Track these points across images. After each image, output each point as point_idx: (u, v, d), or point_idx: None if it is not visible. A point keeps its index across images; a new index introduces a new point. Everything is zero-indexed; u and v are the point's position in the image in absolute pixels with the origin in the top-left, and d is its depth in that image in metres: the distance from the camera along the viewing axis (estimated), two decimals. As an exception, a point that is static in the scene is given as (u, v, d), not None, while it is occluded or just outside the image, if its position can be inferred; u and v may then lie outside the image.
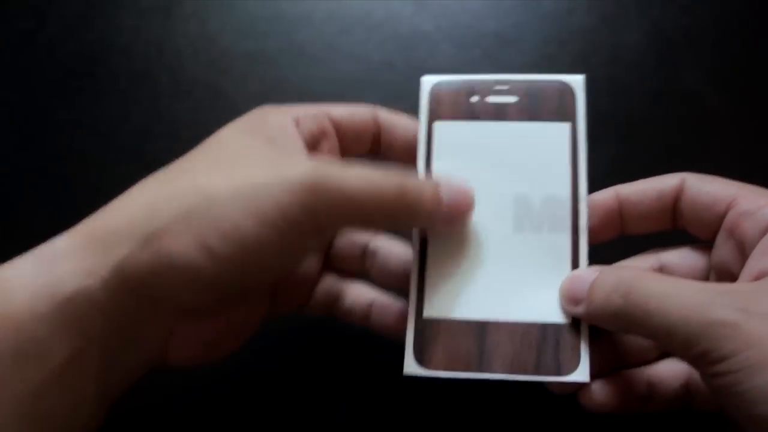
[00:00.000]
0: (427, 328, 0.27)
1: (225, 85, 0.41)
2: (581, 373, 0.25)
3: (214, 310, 0.25)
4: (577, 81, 0.29)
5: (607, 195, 0.28)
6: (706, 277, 0.28)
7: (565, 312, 0.26)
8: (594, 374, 0.26)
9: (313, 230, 0.23)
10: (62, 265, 0.23)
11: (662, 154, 0.38)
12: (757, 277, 0.23)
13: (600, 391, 0.26)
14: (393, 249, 0.30)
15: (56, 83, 0.42)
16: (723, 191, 0.26)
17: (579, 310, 0.25)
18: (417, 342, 0.26)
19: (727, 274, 0.26)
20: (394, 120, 0.30)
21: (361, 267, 0.31)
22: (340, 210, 0.24)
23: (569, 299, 0.26)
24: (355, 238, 0.31)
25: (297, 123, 0.28)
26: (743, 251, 0.25)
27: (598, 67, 0.41)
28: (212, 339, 0.26)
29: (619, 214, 0.28)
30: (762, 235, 0.24)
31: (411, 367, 0.26)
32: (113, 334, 0.23)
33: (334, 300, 0.31)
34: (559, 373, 0.25)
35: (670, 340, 0.22)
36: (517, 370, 0.26)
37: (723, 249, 0.26)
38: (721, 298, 0.22)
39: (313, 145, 0.28)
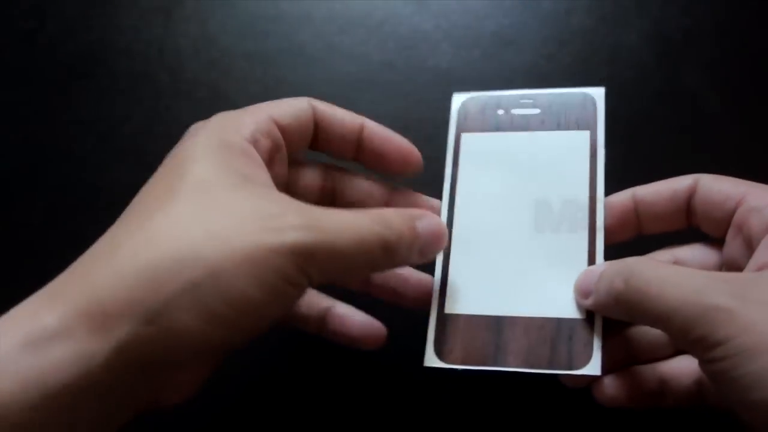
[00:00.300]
0: (448, 323, 0.28)
1: (225, 85, 0.41)
2: (593, 367, 0.26)
3: (210, 361, 0.25)
4: (598, 93, 0.32)
5: (624, 196, 0.29)
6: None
7: (578, 306, 0.27)
8: (606, 369, 0.26)
9: (305, 286, 0.24)
10: (54, 350, 0.21)
11: (662, 154, 0.38)
12: (760, 269, 0.24)
13: (612, 385, 0.27)
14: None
15: (56, 83, 0.42)
16: (733, 189, 0.27)
17: (589, 302, 0.27)
18: (438, 336, 0.28)
19: (736, 270, 0.27)
20: (331, 114, 0.30)
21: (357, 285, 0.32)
22: (332, 269, 0.25)
23: (581, 292, 0.27)
24: None
25: (255, 143, 0.27)
26: (751, 246, 0.26)
27: (598, 67, 0.41)
28: (205, 379, 0.26)
29: (636, 215, 0.29)
30: (766, 230, 0.25)
31: (431, 360, 0.27)
32: (109, 409, 0.22)
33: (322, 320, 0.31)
34: (571, 367, 0.26)
35: (668, 325, 0.23)
36: (531, 364, 0.27)
37: (732, 245, 0.27)
38: (718, 285, 0.22)
39: (269, 161, 0.28)
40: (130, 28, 0.43)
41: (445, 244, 0.28)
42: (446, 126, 0.33)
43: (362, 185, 0.31)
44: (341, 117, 0.30)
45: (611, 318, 0.27)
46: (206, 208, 0.24)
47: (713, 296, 0.22)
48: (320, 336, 0.31)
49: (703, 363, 0.22)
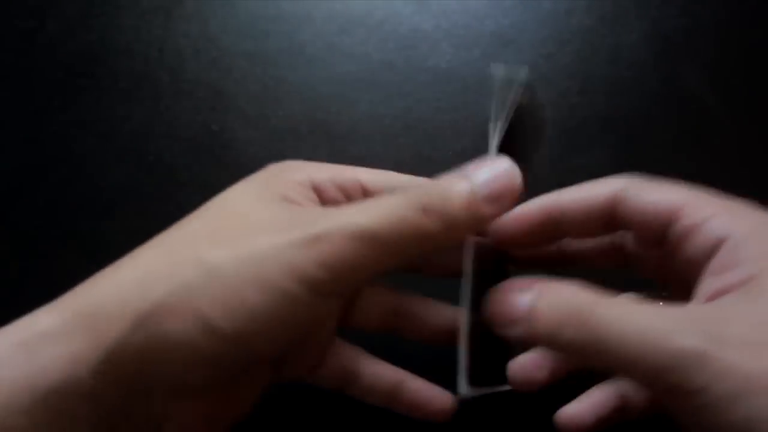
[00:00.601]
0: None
1: (225, 85, 0.41)
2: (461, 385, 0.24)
3: (213, 389, 0.23)
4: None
5: (540, 201, 0.26)
6: None
7: (497, 329, 0.23)
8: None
9: (331, 287, 0.21)
10: (46, 351, 0.21)
11: (662, 154, 0.38)
12: (715, 297, 0.21)
13: (574, 414, 0.26)
14: (429, 307, 0.28)
15: (56, 83, 0.42)
16: (665, 200, 0.24)
17: (517, 331, 0.22)
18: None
19: (679, 290, 0.24)
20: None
21: (389, 324, 0.28)
22: (359, 254, 0.21)
23: (503, 320, 0.22)
24: (379, 298, 0.28)
25: (318, 190, 0.25)
26: (693, 268, 0.23)
27: (597, 67, 0.41)
28: (210, 418, 0.24)
29: (553, 221, 0.26)
30: (710, 251, 0.22)
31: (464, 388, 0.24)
32: (102, 422, 0.21)
33: (349, 376, 0.28)
34: None
35: (634, 371, 0.20)
36: None
37: (672, 262, 0.24)
38: (685, 324, 0.19)
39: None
40: (130, 28, 0.43)
41: (519, 186, 0.23)
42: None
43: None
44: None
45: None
46: (222, 224, 0.23)
47: (683, 339, 0.19)
48: (389, 408, 0.28)
49: (679, 411, 0.20)
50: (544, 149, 0.38)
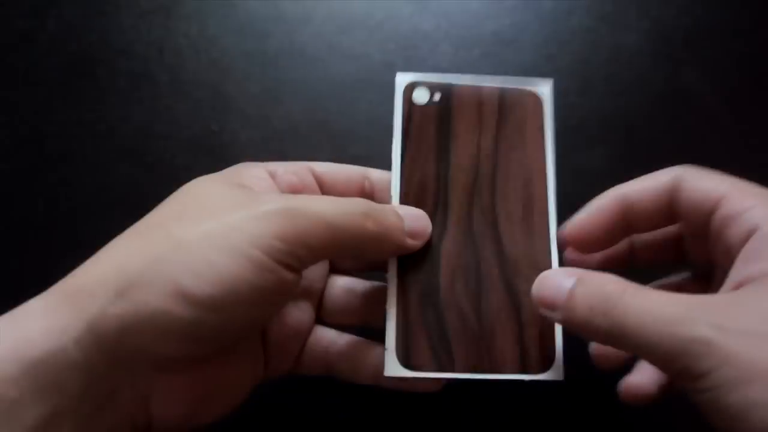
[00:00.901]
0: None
1: (225, 85, 0.41)
2: (555, 372, 0.26)
3: (196, 364, 0.24)
4: (546, 84, 0.31)
5: (610, 196, 0.28)
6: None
7: (540, 313, 0.26)
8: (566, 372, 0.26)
9: (289, 259, 0.23)
10: (32, 325, 0.22)
11: (662, 154, 0.38)
12: (737, 287, 0.23)
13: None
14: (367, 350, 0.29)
15: (56, 83, 0.42)
16: (712, 189, 0.26)
17: (556, 316, 0.25)
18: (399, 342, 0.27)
19: (722, 276, 0.26)
20: (387, 176, 0.30)
21: (362, 317, 0.30)
22: (313, 233, 0.24)
23: (545, 304, 0.25)
24: (351, 287, 0.31)
25: (274, 175, 0.28)
26: (730, 256, 0.25)
27: (598, 67, 0.41)
28: (198, 398, 0.25)
29: (623, 216, 0.28)
30: (743, 241, 0.24)
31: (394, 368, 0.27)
32: (89, 393, 0.22)
33: (330, 357, 0.30)
34: (536, 372, 0.26)
35: (650, 357, 0.22)
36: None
37: (715, 251, 0.26)
38: (696, 314, 0.21)
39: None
40: (130, 28, 0.43)
41: (430, 228, 0.28)
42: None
43: None
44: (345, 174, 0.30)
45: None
46: (187, 207, 0.25)
47: (691, 327, 0.21)
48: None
49: (689, 392, 0.22)
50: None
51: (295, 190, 0.28)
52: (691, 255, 0.29)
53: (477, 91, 0.31)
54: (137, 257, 0.23)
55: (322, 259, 0.27)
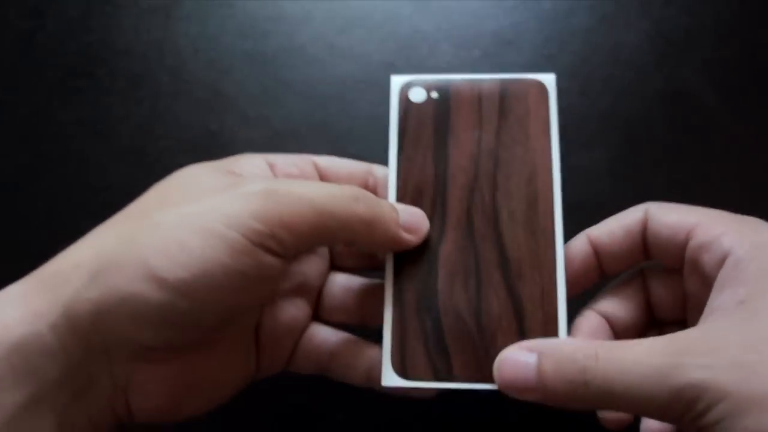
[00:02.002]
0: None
1: (225, 85, 0.41)
2: None
3: (177, 354, 0.24)
4: (549, 79, 0.30)
5: (581, 243, 0.28)
6: (645, 313, 0.28)
7: (559, 304, 0.26)
8: None
9: (269, 242, 0.22)
10: (9, 311, 0.21)
11: (662, 154, 0.38)
12: (714, 313, 0.23)
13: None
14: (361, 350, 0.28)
15: (56, 83, 0.42)
16: (682, 221, 0.26)
17: (532, 397, 0.24)
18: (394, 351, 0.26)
19: (699, 307, 0.25)
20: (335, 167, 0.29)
21: (358, 317, 0.30)
22: (295, 215, 0.23)
23: (515, 389, 0.24)
24: (350, 285, 0.30)
25: (273, 166, 0.27)
26: (707, 284, 0.24)
27: (598, 67, 0.41)
28: (180, 390, 0.24)
29: (596, 258, 0.28)
30: (719, 266, 0.24)
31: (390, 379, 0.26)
32: (67, 380, 0.22)
33: (322, 356, 0.29)
34: None
35: (645, 412, 0.22)
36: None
37: (690, 281, 0.26)
38: (681, 359, 0.21)
39: None
40: (130, 28, 0.43)
41: (427, 225, 0.27)
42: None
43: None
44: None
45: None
46: (171, 193, 0.24)
47: (680, 375, 0.21)
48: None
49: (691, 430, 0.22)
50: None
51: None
52: (656, 295, 0.28)
53: (476, 85, 0.29)
54: (113, 241, 0.22)
55: (309, 244, 0.26)
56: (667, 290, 0.28)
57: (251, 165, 0.27)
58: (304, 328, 0.29)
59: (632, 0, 0.42)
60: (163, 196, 0.24)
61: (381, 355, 0.26)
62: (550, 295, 0.26)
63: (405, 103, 0.30)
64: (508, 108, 0.29)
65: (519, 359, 0.24)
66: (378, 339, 0.27)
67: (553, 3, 0.43)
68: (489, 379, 0.25)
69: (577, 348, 0.23)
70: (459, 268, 0.27)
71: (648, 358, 0.22)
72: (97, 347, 0.22)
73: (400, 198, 0.28)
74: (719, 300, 0.23)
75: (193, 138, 0.40)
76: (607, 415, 0.27)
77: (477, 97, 0.29)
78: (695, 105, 0.39)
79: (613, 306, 0.28)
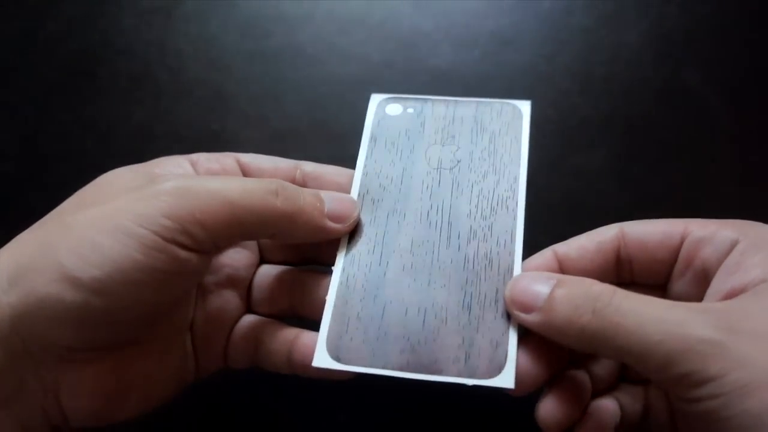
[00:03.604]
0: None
1: (225, 85, 0.41)
2: (504, 379, 0.24)
3: (105, 355, 0.24)
4: (524, 105, 0.31)
5: (546, 257, 0.27)
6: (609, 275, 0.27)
7: (512, 317, 0.25)
8: (520, 382, 0.24)
9: (181, 237, 0.22)
10: None
11: (662, 154, 0.38)
12: (727, 297, 0.22)
13: (553, 408, 0.25)
14: (319, 279, 0.28)
15: (56, 83, 0.42)
16: (670, 226, 0.25)
17: (531, 319, 0.23)
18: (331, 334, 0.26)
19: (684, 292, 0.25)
20: (321, 169, 0.29)
21: (289, 306, 0.29)
22: (206, 211, 0.23)
23: (519, 305, 0.24)
24: (278, 274, 0.29)
25: (195, 164, 0.27)
26: (705, 278, 0.24)
27: (597, 67, 0.41)
28: (112, 391, 0.24)
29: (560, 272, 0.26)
30: (723, 256, 0.23)
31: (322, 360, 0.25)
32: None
33: (251, 345, 0.28)
34: (483, 376, 0.24)
35: (645, 360, 0.20)
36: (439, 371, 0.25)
37: (680, 282, 0.25)
38: (700, 316, 0.20)
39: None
40: (130, 28, 0.43)
41: (356, 212, 0.27)
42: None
43: None
44: (333, 171, 0.29)
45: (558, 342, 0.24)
46: (87, 197, 0.25)
47: (699, 329, 0.19)
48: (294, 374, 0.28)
49: (685, 401, 0.20)
50: (544, 149, 0.38)
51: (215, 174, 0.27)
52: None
53: (453, 104, 0.31)
54: (30, 246, 0.23)
55: (228, 239, 0.25)
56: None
57: (173, 165, 0.27)
58: (235, 322, 0.29)
59: (632, 0, 0.42)
60: (79, 200, 0.25)
61: (301, 337, 0.27)
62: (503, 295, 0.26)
63: (381, 113, 0.31)
64: (482, 126, 0.30)
65: (538, 284, 0.24)
66: (308, 327, 0.27)
67: (553, 3, 0.43)
68: (426, 369, 0.25)
69: (597, 282, 0.23)
70: (414, 261, 0.27)
71: (667, 308, 0.21)
72: (21, 352, 0.22)
73: (363, 193, 0.29)
74: (732, 282, 0.22)
75: (193, 138, 0.40)
76: (547, 414, 0.25)
77: (452, 114, 0.31)
78: (695, 105, 0.39)
79: (575, 258, 0.27)
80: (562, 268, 0.26)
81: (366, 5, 0.43)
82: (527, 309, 0.24)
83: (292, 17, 0.43)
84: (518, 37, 0.42)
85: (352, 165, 0.30)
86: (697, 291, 0.25)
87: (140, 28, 0.43)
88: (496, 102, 0.31)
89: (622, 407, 0.26)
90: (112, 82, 0.42)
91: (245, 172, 0.28)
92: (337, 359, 0.25)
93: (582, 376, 0.26)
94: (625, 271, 0.26)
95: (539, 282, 0.24)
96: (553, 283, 0.23)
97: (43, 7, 0.44)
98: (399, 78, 0.41)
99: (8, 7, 0.44)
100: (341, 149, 0.39)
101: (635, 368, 0.22)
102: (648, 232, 0.26)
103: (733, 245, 0.23)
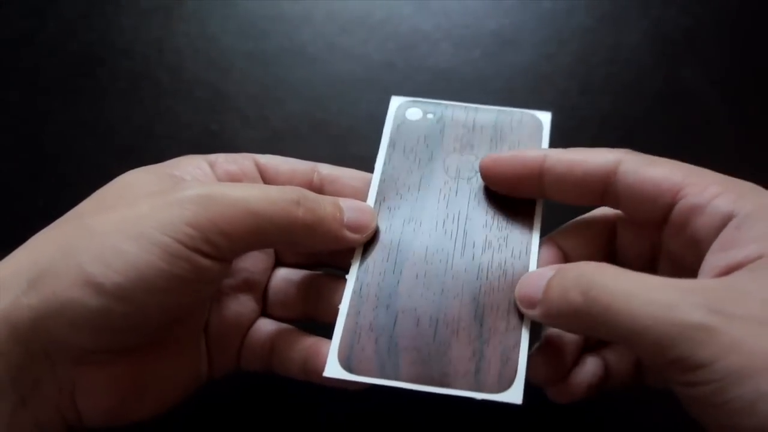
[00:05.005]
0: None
1: (225, 85, 0.41)
2: (513, 394, 0.24)
3: (121, 357, 0.24)
4: (545, 117, 0.31)
5: (536, 155, 0.26)
6: (607, 258, 0.26)
7: (523, 315, 0.25)
8: (527, 394, 0.24)
9: (204, 246, 0.22)
10: None
11: (662, 154, 0.38)
12: (722, 273, 0.21)
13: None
14: (334, 284, 0.28)
15: (56, 83, 0.42)
16: (667, 179, 0.24)
17: (535, 312, 0.24)
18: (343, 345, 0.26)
19: (680, 266, 0.24)
20: (337, 171, 0.29)
21: (304, 310, 0.29)
22: (230, 220, 0.23)
23: (524, 301, 0.24)
24: (294, 278, 0.29)
25: (213, 165, 0.27)
26: (698, 248, 0.23)
27: (598, 67, 0.41)
28: (127, 392, 0.24)
29: (540, 178, 0.26)
30: (718, 230, 0.22)
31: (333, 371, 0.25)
32: (11, 385, 0.22)
33: (266, 349, 0.28)
34: (492, 391, 0.24)
35: (637, 343, 0.20)
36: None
37: (673, 242, 0.25)
38: (692, 298, 0.19)
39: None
40: (130, 28, 0.43)
41: (374, 223, 0.27)
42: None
43: None
44: (350, 174, 0.29)
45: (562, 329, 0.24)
46: (108, 198, 0.25)
47: (689, 312, 0.19)
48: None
49: (680, 386, 0.20)
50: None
51: (233, 179, 0.27)
52: (623, 243, 0.27)
53: (473, 111, 0.31)
54: (50, 248, 0.23)
55: (249, 247, 0.26)
56: (636, 239, 0.27)
57: (192, 166, 0.27)
58: (250, 325, 0.29)
59: (632, 0, 0.42)
60: (99, 202, 0.25)
61: (318, 346, 0.26)
62: (516, 306, 0.26)
63: (400, 119, 0.31)
64: (501, 136, 0.30)
65: (540, 276, 0.24)
66: (324, 332, 0.27)
67: (553, 3, 0.43)
68: (436, 382, 0.24)
69: (589, 263, 0.22)
70: (428, 270, 0.27)
71: (658, 288, 0.20)
72: (39, 352, 0.22)
73: (379, 199, 0.29)
74: (728, 258, 0.21)
75: (193, 138, 0.40)
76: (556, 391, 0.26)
77: (471, 122, 0.30)
78: (695, 105, 0.39)
79: (574, 243, 0.27)
80: (544, 174, 0.26)
81: (366, 5, 0.43)
82: (532, 304, 0.24)
83: (292, 17, 0.43)
84: (519, 37, 0.42)
85: (352, 165, 0.30)
86: (691, 255, 0.23)
87: (140, 28, 0.43)
88: (517, 111, 0.31)
89: (608, 365, 0.26)
90: (112, 82, 0.42)
91: (263, 174, 0.28)
92: (349, 369, 0.25)
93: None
94: (613, 202, 0.26)
95: (541, 276, 0.24)
96: (551, 274, 0.23)
97: (43, 7, 0.44)
98: (399, 78, 0.41)
99: (8, 7, 0.44)
100: (341, 149, 0.39)
101: (630, 349, 0.21)
102: (642, 180, 0.24)
103: (728, 219, 0.22)
